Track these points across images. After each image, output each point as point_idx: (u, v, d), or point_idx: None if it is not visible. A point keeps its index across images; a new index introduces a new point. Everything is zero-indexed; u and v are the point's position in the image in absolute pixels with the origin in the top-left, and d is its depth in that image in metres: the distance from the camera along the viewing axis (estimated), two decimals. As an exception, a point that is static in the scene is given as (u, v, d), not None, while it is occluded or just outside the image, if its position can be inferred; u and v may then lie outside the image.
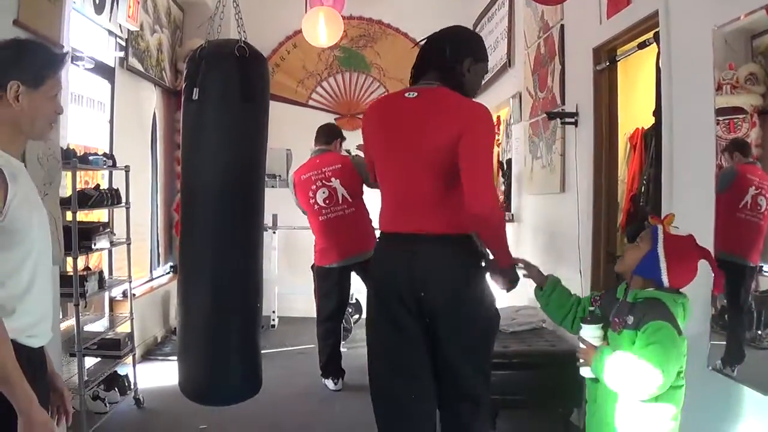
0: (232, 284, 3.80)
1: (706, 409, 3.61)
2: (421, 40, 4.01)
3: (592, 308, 3.23)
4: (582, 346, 3.12)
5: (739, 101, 3.75)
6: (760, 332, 3.58)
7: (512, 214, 7.83)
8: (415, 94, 3.75)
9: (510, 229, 7.78)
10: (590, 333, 3.10)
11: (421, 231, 3.65)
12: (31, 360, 2.58)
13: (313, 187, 6.85)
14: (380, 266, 3.86)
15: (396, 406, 3.82)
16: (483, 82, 4.12)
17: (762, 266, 3.62)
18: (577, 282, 5.33)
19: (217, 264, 3.77)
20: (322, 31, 7.85)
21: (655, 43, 4.42)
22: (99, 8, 6.26)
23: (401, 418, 3.81)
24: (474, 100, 3.83)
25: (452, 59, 3.78)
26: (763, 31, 3.50)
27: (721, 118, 3.77)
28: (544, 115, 6.26)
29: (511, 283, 3.74)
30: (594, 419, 3.21)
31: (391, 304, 3.72)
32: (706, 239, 3.61)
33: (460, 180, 3.55)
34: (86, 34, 6.30)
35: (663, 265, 3.01)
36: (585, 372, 3.12)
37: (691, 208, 3.88)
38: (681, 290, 3.05)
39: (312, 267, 7.17)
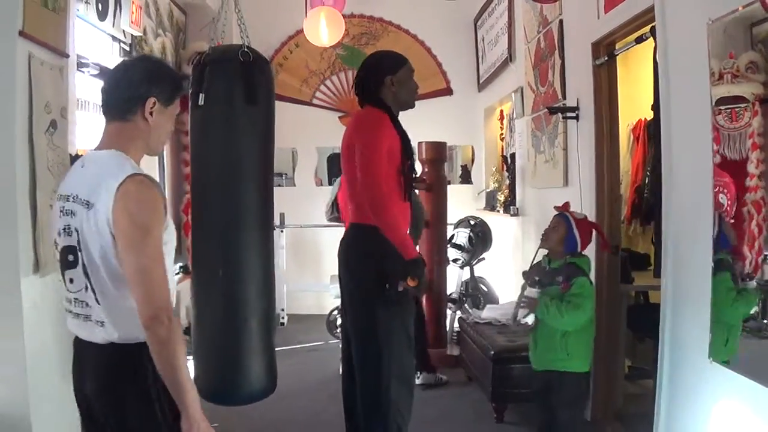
0: (245, 284, 3.87)
1: (707, 401, 3.72)
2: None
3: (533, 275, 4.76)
4: (524, 301, 4.62)
5: (740, 90, 3.77)
6: (766, 321, 3.59)
7: (517, 208, 7.89)
8: None
9: (514, 222, 7.88)
10: (533, 293, 4.61)
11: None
12: None
13: None
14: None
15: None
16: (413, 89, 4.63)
17: (767, 255, 3.66)
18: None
19: (230, 264, 3.84)
20: (324, 31, 7.92)
21: (651, 38, 4.49)
22: (102, 14, 6.31)
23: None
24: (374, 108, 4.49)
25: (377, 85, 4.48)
26: (763, 18, 3.51)
27: (722, 108, 3.80)
28: (546, 109, 6.33)
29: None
30: (537, 350, 4.63)
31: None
32: (706, 230, 3.70)
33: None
34: (90, 40, 6.36)
35: (578, 239, 4.54)
36: (529, 318, 4.80)
37: (689, 199, 3.98)
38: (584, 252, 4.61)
39: None
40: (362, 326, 4.38)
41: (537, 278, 4.72)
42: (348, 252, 4.52)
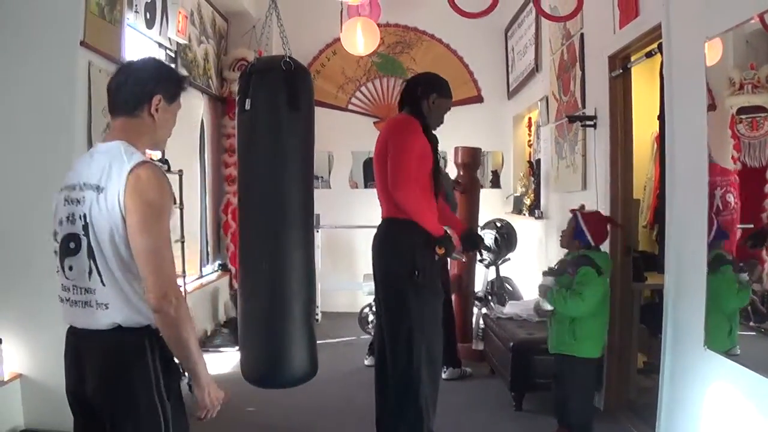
0: (288, 276, 4.16)
1: (702, 384, 3.99)
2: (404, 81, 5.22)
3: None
4: (540, 288, 5.08)
5: (760, 100, 4.01)
6: None
7: (541, 212, 8.19)
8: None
9: (539, 225, 8.15)
10: (548, 281, 5.08)
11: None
12: None
13: None
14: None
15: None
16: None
17: None
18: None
19: (275, 258, 4.13)
20: (360, 40, 8.06)
21: (659, 53, 4.78)
22: (150, 23, 6.59)
23: None
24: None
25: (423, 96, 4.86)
26: None
27: (743, 117, 4.06)
28: (567, 118, 6.64)
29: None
30: (552, 334, 5.14)
31: None
32: (702, 229, 3.98)
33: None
34: (139, 47, 6.66)
35: (586, 231, 5.04)
36: (545, 305, 5.04)
37: (689, 200, 4.23)
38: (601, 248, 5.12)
39: None
40: (395, 311, 4.68)
41: (552, 268, 5.28)
42: (381, 243, 4.84)
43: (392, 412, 4.72)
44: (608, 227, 5.25)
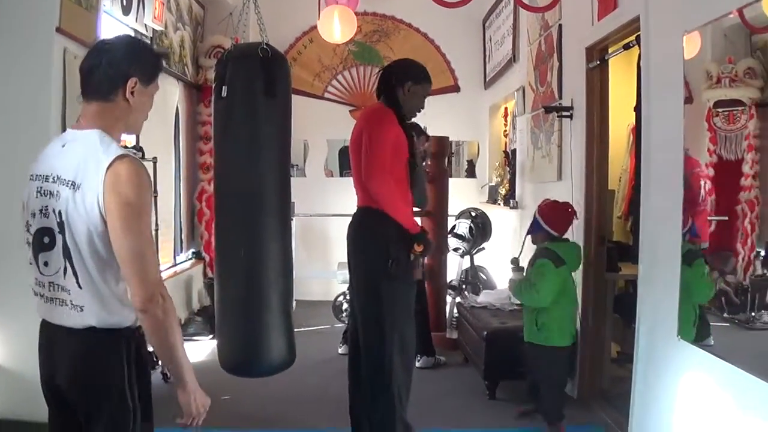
0: (265, 263, 4.13)
1: (676, 374, 4.01)
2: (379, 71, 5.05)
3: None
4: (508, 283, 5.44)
5: (737, 94, 4.03)
6: (753, 314, 3.86)
7: (516, 201, 8.23)
8: None
9: (513, 215, 8.18)
10: (513, 275, 5.45)
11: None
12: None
13: None
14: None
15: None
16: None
17: (759, 251, 3.93)
18: (571, 263, 5.72)
19: (252, 245, 4.10)
20: (337, 28, 8.04)
21: (637, 45, 4.80)
22: (126, 9, 6.53)
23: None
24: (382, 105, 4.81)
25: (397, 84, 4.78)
26: (762, 27, 3.79)
27: (720, 110, 4.08)
28: (543, 108, 6.66)
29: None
30: (524, 324, 5.41)
31: None
32: (676, 222, 4.00)
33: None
34: (114, 34, 6.62)
35: (543, 223, 5.29)
36: (514, 299, 5.57)
37: (663, 192, 4.24)
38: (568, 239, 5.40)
39: None
40: (368, 300, 4.68)
41: (516, 258, 5.63)
42: (356, 232, 4.81)
43: (365, 401, 4.72)
44: (569, 212, 5.40)
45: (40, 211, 2.64)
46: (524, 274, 5.45)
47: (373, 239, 4.63)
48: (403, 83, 4.75)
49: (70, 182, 2.56)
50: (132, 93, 2.70)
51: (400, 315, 4.62)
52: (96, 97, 2.71)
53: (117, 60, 2.70)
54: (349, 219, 4.86)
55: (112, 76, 2.68)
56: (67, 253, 2.60)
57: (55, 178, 2.61)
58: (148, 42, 7.24)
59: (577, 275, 5.62)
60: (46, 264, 2.67)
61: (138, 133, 3.13)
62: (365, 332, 4.69)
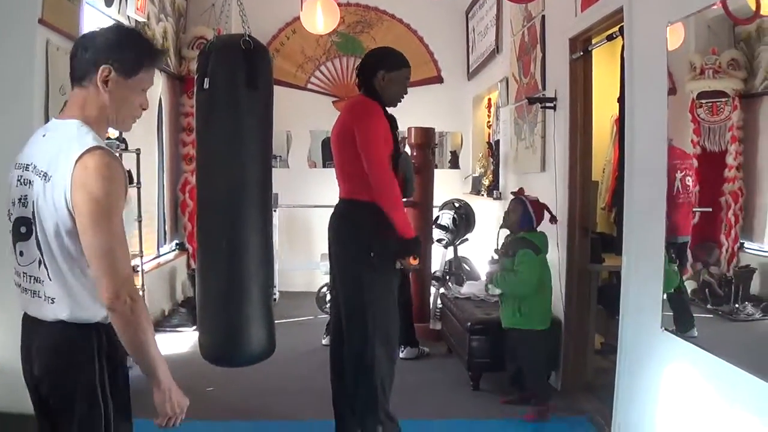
0: (246, 254, 4.13)
1: (659, 365, 4.04)
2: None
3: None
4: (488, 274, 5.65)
5: (721, 85, 4.05)
6: (737, 306, 3.89)
7: (499, 192, 8.23)
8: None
9: (497, 205, 8.18)
10: (493, 268, 5.65)
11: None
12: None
13: None
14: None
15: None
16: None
17: (743, 242, 3.95)
18: (555, 254, 5.77)
19: (233, 236, 4.09)
20: (320, 19, 8.03)
21: (620, 36, 4.79)
22: (109, 1, 6.50)
23: None
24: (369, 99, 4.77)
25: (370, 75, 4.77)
26: (746, 18, 3.80)
27: (703, 101, 4.09)
28: (526, 99, 6.66)
29: None
30: (504, 311, 5.61)
31: None
32: (660, 213, 4.02)
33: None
34: (97, 25, 6.58)
35: (534, 217, 5.51)
36: (494, 290, 5.59)
37: (647, 183, 4.25)
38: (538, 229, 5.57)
39: None
40: (351, 292, 4.68)
41: (496, 254, 5.78)
42: (338, 223, 4.81)
43: (348, 391, 4.74)
44: (546, 209, 5.65)
45: (19, 200, 2.60)
46: (498, 265, 5.66)
47: (356, 230, 4.64)
48: (376, 73, 4.72)
49: (43, 173, 2.52)
50: (105, 82, 2.61)
51: (383, 306, 4.63)
52: (74, 83, 2.68)
53: (94, 45, 2.64)
54: (332, 210, 4.85)
55: (87, 60, 2.62)
56: (38, 244, 2.57)
57: (33, 168, 2.57)
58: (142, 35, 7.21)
59: (561, 266, 5.67)
60: (21, 254, 2.64)
61: (126, 129, 2.99)
62: (348, 323, 4.70)
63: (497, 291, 5.60)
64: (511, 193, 5.79)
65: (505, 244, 5.73)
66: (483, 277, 8.07)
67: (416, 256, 4.62)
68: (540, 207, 5.61)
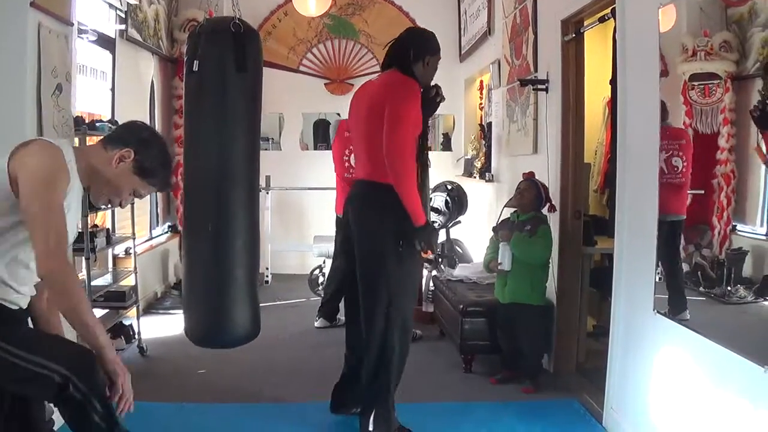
0: (232, 237, 4.16)
1: (652, 349, 4.07)
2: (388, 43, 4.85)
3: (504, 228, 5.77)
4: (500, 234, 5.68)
5: (713, 67, 4.02)
6: (729, 288, 3.82)
7: (492, 175, 8.21)
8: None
9: (489, 188, 8.18)
10: (505, 247, 5.61)
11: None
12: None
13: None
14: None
15: None
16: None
17: (735, 225, 3.94)
18: (548, 236, 5.72)
19: (219, 219, 4.13)
20: (312, 1, 8.05)
21: (612, 18, 4.78)
22: None
23: None
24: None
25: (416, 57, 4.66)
26: (736, 0, 3.77)
27: (695, 83, 4.08)
28: (518, 81, 6.64)
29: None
30: (507, 286, 5.67)
31: None
32: (652, 195, 4.02)
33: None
34: (89, 8, 6.57)
35: (543, 199, 5.66)
36: (503, 267, 5.61)
37: (639, 165, 4.28)
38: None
39: None
40: (374, 279, 4.55)
41: (504, 222, 5.86)
42: (364, 207, 4.66)
43: (361, 380, 4.72)
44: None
45: None
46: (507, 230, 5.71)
47: (384, 216, 4.48)
48: (423, 56, 4.67)
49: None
50: (119, 162, 3.01)
51: (405, 297, 4.61)
52: (106, 140, 3.11)
53: (131, 132, 3.14)
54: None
55: (123, 139, 3.08)
56: None
57: None
58: (123, 18, 7.16)
59: (554, 249, 5.65)
60: None
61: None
62: (370, 315, 4.59)
63: (506, 268, 5.63)
64: (523, 174, 5.87)
65: (504, 222, 5.83)
66: (475, 260, 8.10)
67: (429, 249, 4.55)
68: (547, 191, 5.73)
